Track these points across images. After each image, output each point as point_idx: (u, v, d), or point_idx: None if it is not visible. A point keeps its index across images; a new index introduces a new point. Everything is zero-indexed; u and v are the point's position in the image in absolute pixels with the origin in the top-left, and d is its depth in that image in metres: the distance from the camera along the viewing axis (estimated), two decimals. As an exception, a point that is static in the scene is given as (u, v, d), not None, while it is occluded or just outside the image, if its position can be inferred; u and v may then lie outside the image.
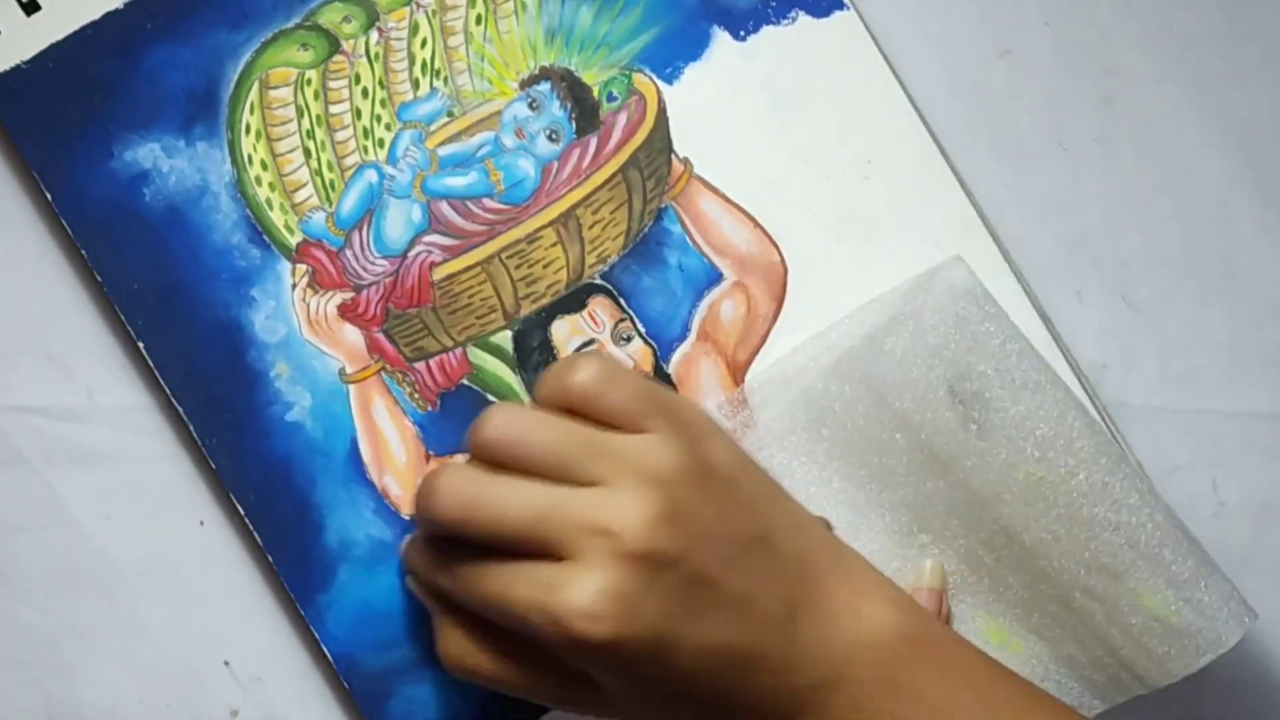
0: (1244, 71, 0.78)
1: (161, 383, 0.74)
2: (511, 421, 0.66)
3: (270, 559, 0.74)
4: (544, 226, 0.76)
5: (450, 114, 0.76)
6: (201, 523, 0.75)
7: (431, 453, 0.75)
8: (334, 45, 0.76)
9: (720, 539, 0.66)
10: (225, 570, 0.75)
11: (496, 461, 0.66)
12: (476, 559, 0.66)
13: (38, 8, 0.74)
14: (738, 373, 0.76)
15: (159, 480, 0.75)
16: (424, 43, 0.76)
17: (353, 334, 0.76)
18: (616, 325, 0.76)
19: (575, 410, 0.67)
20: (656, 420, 0.67)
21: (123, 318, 0.74)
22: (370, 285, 0.76)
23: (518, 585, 0.65)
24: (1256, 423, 0.77)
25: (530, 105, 0.77)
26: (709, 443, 0.68)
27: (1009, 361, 0.72)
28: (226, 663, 0.75)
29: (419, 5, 0.76)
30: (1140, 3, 0.78)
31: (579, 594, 0.64)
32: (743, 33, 0.77)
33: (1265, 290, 0.78)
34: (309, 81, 0.76)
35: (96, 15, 0.74)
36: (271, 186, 0.75)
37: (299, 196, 0.76)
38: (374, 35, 0.76)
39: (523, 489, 0.66)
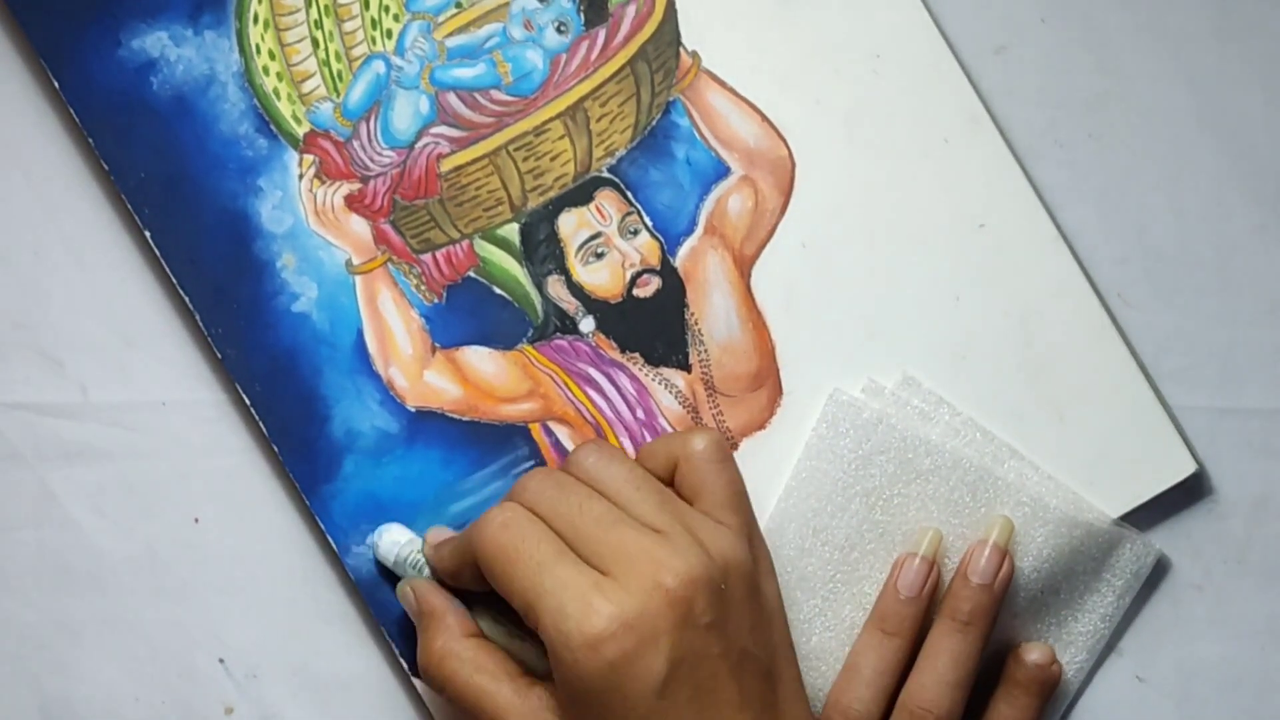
0: (1238, 69, 0.78)
1: (168, 270, 0.74)
2: (601, 456, 0.70)
3: (276, 450, 0.74)
4: (552, 119, 0.76)
5: (458, 5, 0.76)
6: (196, 519, 0.76)
7: (437, 344, 0.75)
8: (343, -65, 0.76)
9: (742, 649, 0.67)
10: (219, 567, 0.76)
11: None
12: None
13: (46, -106, 0.74)
14: (744, 266, 0.76)
15: (152, 477, 0.76)
16: (433, -67, 0.76)
17: (359, 225, 0.75)
18: (623, 218, 0.76)
19: (677, 471, 0.70)
20: (737, 521, 0.69)
21: (129, 206, 0.74)
22: (377, 176, 0.75)
23: (555, 577, 0.66)
24: (1251, 419, 0.77)
25: (539, -3, 0.76)
26: (767, 577, 0.70)
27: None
28: (221, 660, 0.76)
29: (428, -104, 0.76)
30: (1135, 0, 0.78)
31: (606, 607, 0.65)
32: (754, -74, 0.77)
33: (1259, 287, 0.78)
34: (317, -29, 0.76)
35: (105, -98, 0.74)
36: (279, 76, 0.75)
37: (306, 86, 0.75)
38: (383, -75, 0.76)
39: (597, 502, 0.68)
